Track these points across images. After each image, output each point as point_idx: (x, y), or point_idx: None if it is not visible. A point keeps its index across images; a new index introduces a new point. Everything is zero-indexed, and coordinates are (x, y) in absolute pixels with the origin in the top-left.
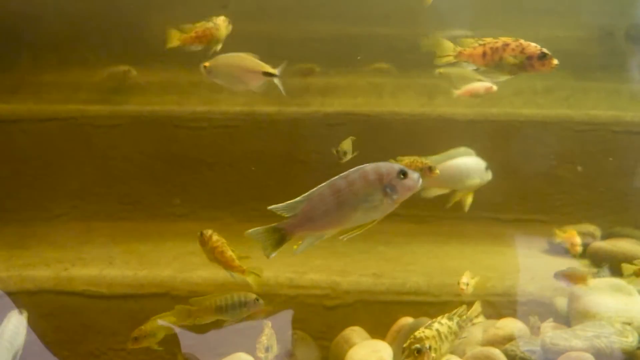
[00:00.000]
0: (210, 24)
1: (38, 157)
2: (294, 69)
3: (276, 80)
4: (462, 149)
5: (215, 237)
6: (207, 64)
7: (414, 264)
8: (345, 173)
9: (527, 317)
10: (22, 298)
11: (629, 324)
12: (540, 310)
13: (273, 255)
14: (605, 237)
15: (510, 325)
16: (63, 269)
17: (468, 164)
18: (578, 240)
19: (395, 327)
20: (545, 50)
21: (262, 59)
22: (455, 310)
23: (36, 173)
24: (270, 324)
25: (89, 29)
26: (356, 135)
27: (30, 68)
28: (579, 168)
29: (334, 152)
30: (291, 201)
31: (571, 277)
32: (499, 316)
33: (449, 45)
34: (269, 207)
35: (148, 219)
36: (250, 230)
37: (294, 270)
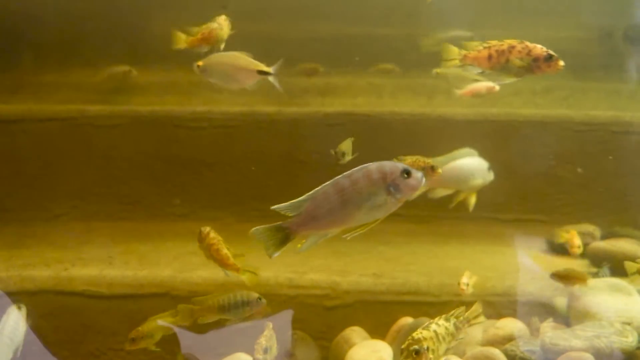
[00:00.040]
0: (214, 25)
1: (38, 157)
2: (297, 69)
3: (271, 79)
4: (466, 150)
5: (212, 234)
6: (200, 63)
7: (414, 264)
8: (349, 172)
9: (527, 317)
10: (22, 298)
11: (629, 323)
12: (540, 310)
13: (276, 254)
14: (604, 237)
15: (510, 325)
16: (63, 269)
17: (472, 165)
18: (576, 242)
19: (395, 327)
20: (551, 51)
21: (261, 59)
22: (453, 311)
23: (36, 173)
24: (271, 325)
25: (90, 29)
26: (356, 136)
27: (30, 68)
28: (579, 170)
29: (332, 153)
30: (295, 200)
31: (567, 277)
32: (499, 316)
33: (453, 49)
34: (272, 207)
35: (148, 219)
36: (254, 229)
37: (293, 270)
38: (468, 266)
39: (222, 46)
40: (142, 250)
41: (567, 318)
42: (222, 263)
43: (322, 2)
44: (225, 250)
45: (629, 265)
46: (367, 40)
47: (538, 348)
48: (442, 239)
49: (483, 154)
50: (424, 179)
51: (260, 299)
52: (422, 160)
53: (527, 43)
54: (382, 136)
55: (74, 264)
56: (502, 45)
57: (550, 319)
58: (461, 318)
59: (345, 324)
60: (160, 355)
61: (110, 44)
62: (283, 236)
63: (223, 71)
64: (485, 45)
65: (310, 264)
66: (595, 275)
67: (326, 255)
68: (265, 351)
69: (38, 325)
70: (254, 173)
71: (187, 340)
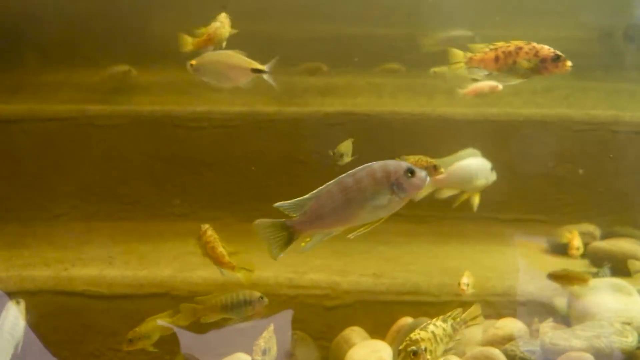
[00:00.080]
0: (217, 24)
1: (38, 157)
2: (299, 68)
3: (266, 76)
4: (470, 150)
5: (209, 232)
6: (193, 62)
7: (414, 264)
8: (353, 171)
9: (526, 317)
10: (22, 298)
11: (629, 324)
12: (539, 310)
13: (280, 256)
14: (604, 236)
15: (509, 325)
16: (63, 269)
17: (476, 165)
18: (575, 243)
19: (395, 327)
20: (558, 52)
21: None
22: (450, 312)
23: (36, 173)
24: (272, 327)
25: (90, 29)
26: (356, 135)
27: (30, 68)
28: (580, 171)
29: (331, 154)
30: (299, 199)
31: (564, 278)
32: (499, 316)
33: (458, 52)
34: (276, 205)
35: (148, 219)
36: (257, 221)
37: (293, 270)
38: (468, 266)
39: (224, 44)
40: (142, 250)
41: (567, 318)
42: (217, 261)
43: (322, 2)
44: (220, 249)
45: (632, 264)
46: (367, 40)
47: (538, 348)
48: (442, 239)
49: (483, 153)
50: (428, 178)
51: (262, 297)
52: (424, 159)
53: (534, 44)
54: (382, 136)
55: (74, 264)
56: (509, 46)
57: (550, 319)
58: (458, 319)
59: (345, 324)
60: (160, 355)
61: (110, 44)
62: (287, 235)
63: (216, 70)
64: (492, 47)
65: (310, 264)
66: (596, 275)
67: (326, 255)
68: (264, 353)
69: (38, 325)
70: (254, 173)
71: (187, 340)
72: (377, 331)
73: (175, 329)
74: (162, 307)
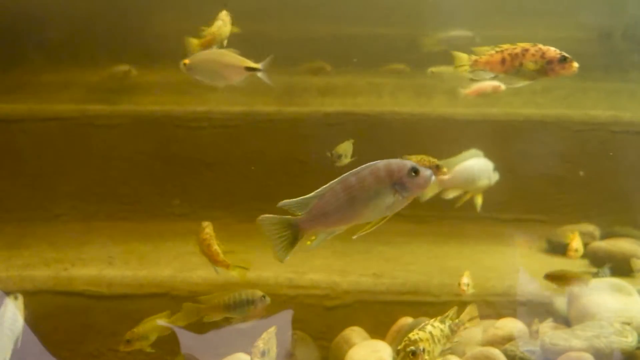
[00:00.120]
0: (219, 22)
1: (38, 157)
2: (301, 68)
3: (261, 75)
4: (473, 151)
5: (207, 230)
6: (186, 60)
7: (414, 264)
8: (356, 169)
9: (526, 317)
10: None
11: (629, 324)
12: (539, 310)
13: (287, 258)
14: (604, 236)
15: (509, 325)
16: (63, 269)
17: (480, 166)
18: (574, 245)
19: (395, 327)
20: (565, 53)
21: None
22: (447, 313)
23: (36, 173)
24: (273, 329)
25: (90, 29)
26: (356, 135)
27: (30, 68)
28: (581, 173)
29: (329, 155)
30: (303, 197)
31: (562, 278)
32: (499, 316)
33: (463, 56)
34: (280, 203)
35: (148, 219)
36: (262, 217)
37: (293, 270)
38: (468, 266)
39: (225, 42)
40: (142, 250)
41: (567, 318)
42: (212, 259)
43: (322, 2)
44: (215, 247)
45: (635, 262)
46: (367, 40)
47: (538, 348)
48: (442, 239)
49: (483, 153)
50: (432, 177)
51: (264, 297)
52: (427, 159)
53: (540, 45)
54: (382, 136)
55: (74, 264)
56: (515, 48)
57: (550, 319)
58: (456, 320)
59: (345, 324)
60: (160, 355)
61: (110, 43)
62: (291, 234)
63: (210, 68)
64: (498, 49)
65: (310, 264)
66: (595, 275)
67: (326, 255)
68: (263, 354)
69: (38, 325)
70: (254, 173)
71: (187, 340)
72: (377, 331)
73: (176, 329)
74: (162, 307)
